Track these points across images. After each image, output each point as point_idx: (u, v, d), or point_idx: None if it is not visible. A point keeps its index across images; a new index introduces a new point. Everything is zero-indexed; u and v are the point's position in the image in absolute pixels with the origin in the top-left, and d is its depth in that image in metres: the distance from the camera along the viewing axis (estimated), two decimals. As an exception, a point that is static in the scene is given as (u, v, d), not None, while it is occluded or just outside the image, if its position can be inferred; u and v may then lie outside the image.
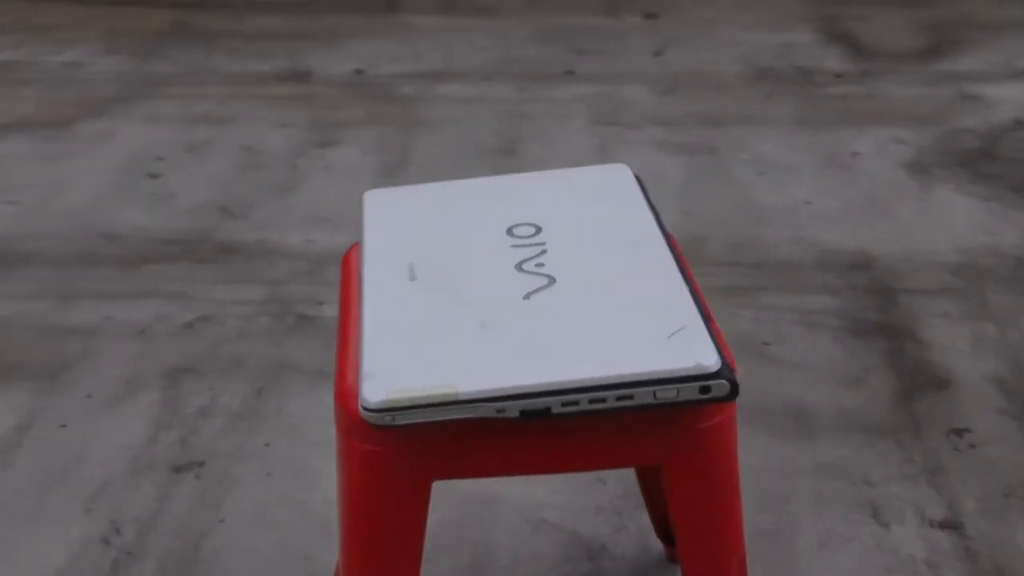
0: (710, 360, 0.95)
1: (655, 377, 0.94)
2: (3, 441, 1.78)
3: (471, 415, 0.94)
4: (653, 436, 1.01)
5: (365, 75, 3.22)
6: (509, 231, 1.15)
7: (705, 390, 0.95)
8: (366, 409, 0.93)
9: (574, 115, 2.94)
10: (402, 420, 0.93)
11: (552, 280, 1.07)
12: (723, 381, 0.95)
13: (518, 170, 2.63)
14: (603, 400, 0.94)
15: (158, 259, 2.28)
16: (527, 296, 1.05)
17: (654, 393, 0.95)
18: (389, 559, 1.03)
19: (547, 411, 0.94)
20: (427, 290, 1.07)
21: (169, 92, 3.12)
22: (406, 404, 0.93)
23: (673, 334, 0.98)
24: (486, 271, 1.09)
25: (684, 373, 0.94)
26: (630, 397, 0.95)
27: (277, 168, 2.68)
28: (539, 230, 1.15)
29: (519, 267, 1.09)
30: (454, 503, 1.61)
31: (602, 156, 2.70)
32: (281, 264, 2.25)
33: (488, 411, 0.94)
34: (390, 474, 1.00)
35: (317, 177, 2.64)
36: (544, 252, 1.11)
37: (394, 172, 2.65)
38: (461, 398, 0.93)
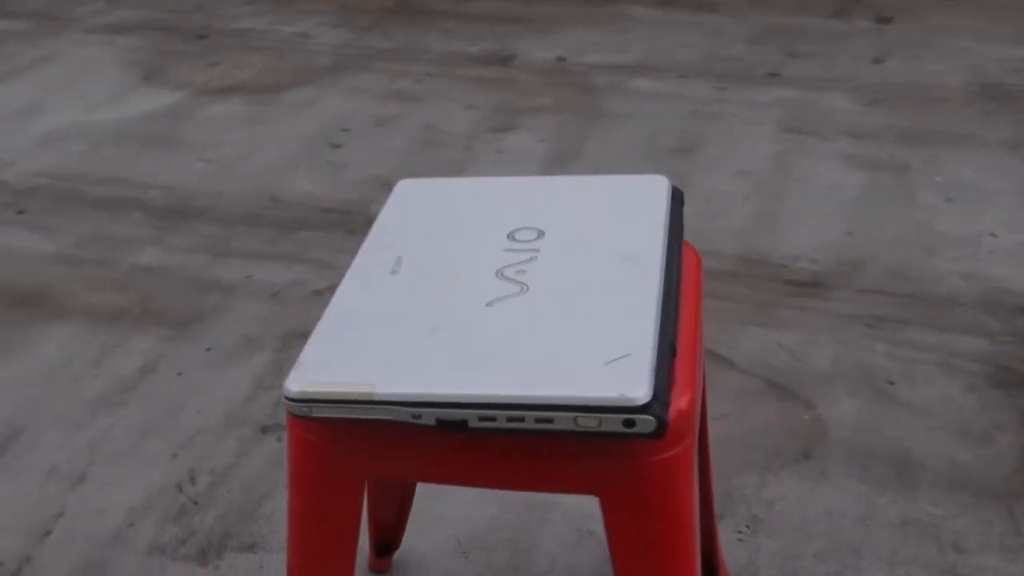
0: (638, 393, 0.90)
1: (576, 403, 0.90)
2: (126, 381, 1.91)
3: (388, 417, 0.93)
4: (591, 465, 0.96)
5: (566, 63, 3.22)
6: (511, 234, 1.13)
7: (629, 423, 0.90)
8: (286, 398, 0.94)
9: (766, 120, 2.82)
10: (319, 413, 0.94)
11: (524, 289, 1.04)
12: (649, 417, 0.89)
13: (687, 172, 2.57)
14: (521, 420, 0.91)
15: (314, 226, 2.38)
16: (491, 303, 1.02)
17: (575, 419, 0.90)
18: (322, 545, 1.04)
19: (464, 423, 0.92)
20: (400, 286, 1.06)
21: (376, 67, 3.24)
22: (322, 398, 0.93)
23: (612, 361, 0.93)
24: (465, 273, 1.07)
25: (607, 403, 0.90)
26: (550, 420, 0.91)
27: (452, 148, 2.72)
28: (540, 235, 1.12)
29: (500, 272, 1.07)
30: (507, 502, 1.60)
31: (778, 166, 2.59)
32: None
33: (405, 415, 0.92)
34: (326, 465, 1.01)
35: (487, 161, 2.67)
36: (533, 259, 1.08)
37: (563, 163, 2.64)
38: (376, 399, 0.92)
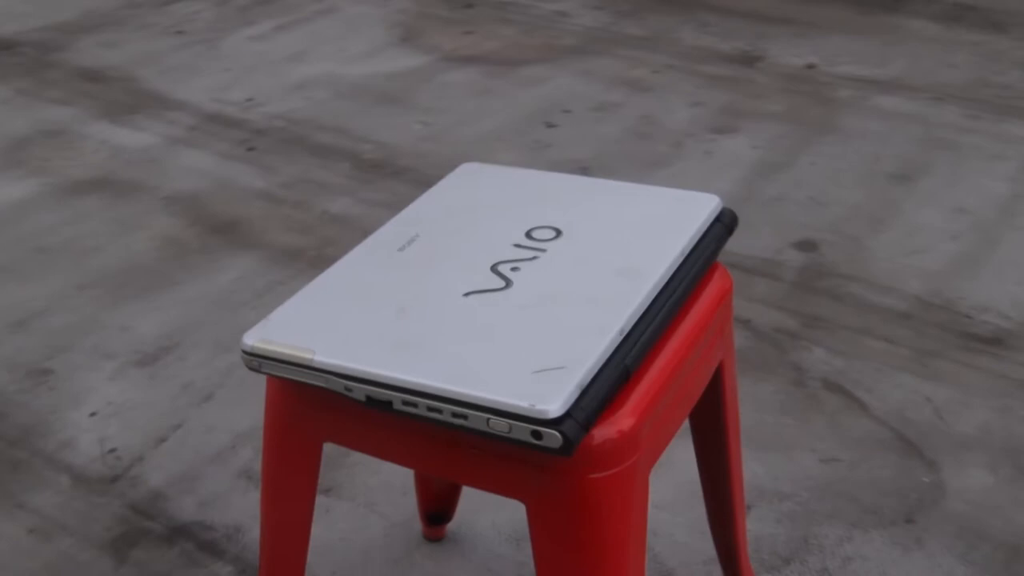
0: (550, 406, 0.87)
1: (490, 406, 0.89)
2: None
3: (323, 385, 0.95)
4: (518, 469, 0.95)
5: (815, 71, 3.09)
6: (529, 231, 1.12)
7: (537, 435, 0.88)
8: (242, 351, 0.99)
9: (1010, 157, 2.60)
10: (266, 370, 0.98)
11: (508, 286, 1.03)
12: (555, 432, 0.87)
13: (898, 200, 2.41)
14: (440, 411, 0.91)
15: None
16: (468, 294, 1.02)
17: (487, 421, 0.89)
18: (283, 495, 1.08)
19: (389, 404, 0.93)
20: (397, 263, 1.08)
21: (619, 52, 3.23)
22: (268, 355, 0.97)
23: (542, 370, 0.91)
24: (464, 262, 1.07)
25: (518, 411, 0.88)
26: (465, 417, 0.90)
27: (661, 143, 2.69)
28: (556, 236, 1.10)
29: (495, 266, 1.06)
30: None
31: (1005, 209, 2.37)
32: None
33: (338, 386, 0.95)
34: (285, 422, 1.05)
35: (692, 160, 2.61)
36: (535, 259, 1.07)
37: (767, 173, 2.54)
38: (313, 365, 0.95)
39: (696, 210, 1.14)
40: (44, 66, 3.20)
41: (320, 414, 1.03)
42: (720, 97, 2.92)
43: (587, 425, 0.89)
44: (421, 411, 0.92)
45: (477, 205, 1.18)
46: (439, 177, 2.71)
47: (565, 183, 1.23)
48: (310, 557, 1.34)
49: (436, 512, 1.52)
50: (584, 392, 0.90)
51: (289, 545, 1.14)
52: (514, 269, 1.06)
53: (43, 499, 1.64)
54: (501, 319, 0.98)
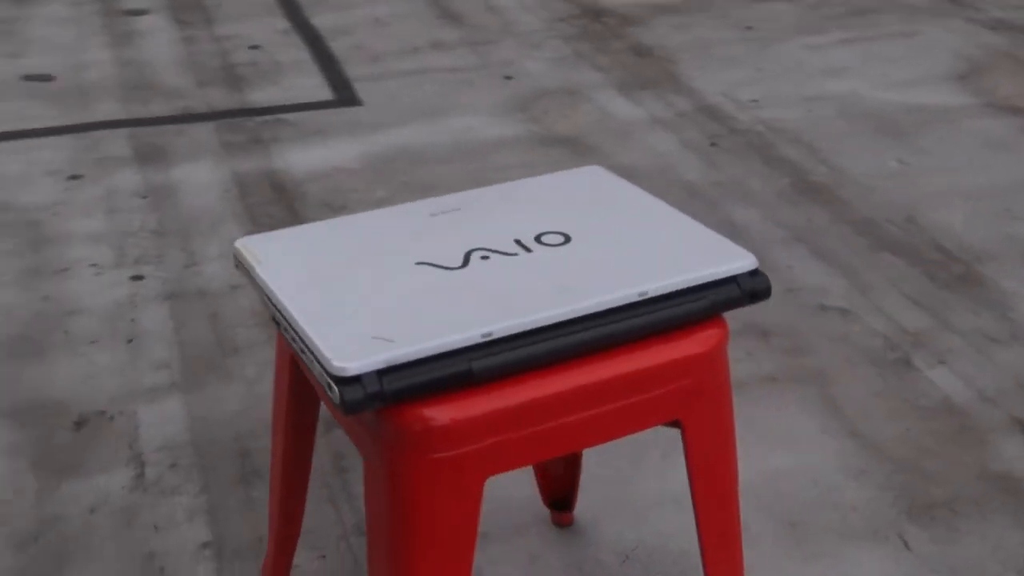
0: (346, 365, 0.95)
1: (315, 352, 0.98)
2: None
3: (257, 293, 1.10)
4: (363, 430, 1.01)
5: None
6: (539, 235, 1.14)
7: (330, 388, 0.95)
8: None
9: None
10: (240, 271, 1.15)
11: (456, 267, 1.08)
12: (336, 390, 0.94)
13: None
14: (294, 341, 1.02)
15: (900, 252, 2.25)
16: (420, 263, 1.09)
17: (319, 364, 0.98)
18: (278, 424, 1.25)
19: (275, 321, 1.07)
20: (407, 225, 1.17)
21: None
22: (240, 259, 1.14)
23: (378, 337, 0.97)
24: (457, 240, 1.13)
25: (325, 363, 0.96)
26: (303, 352, 1.00)
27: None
28: (565, 241, 1.12)
29: (474, 250, 1.11)
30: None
31: None
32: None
33: (263, 301, 1.09)
34: (280, 352, 1.21)
35: None
36: (514, 256, 1.10)
37: None
38: (255, 274, 1.10)
39: (723, 263, 1.07)
40: (613, 36, 3.52)
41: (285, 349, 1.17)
42: None
43: (377, 396, 0.94)
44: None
45: (536, 203, 1.21)
46: (868, 213, 2.59)
47: (648, 205, 1.21)
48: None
49: (558, 498, 1.56)
50: (395, 368, 0.94)
51: None
52: (484, 257, 1.10)
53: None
54: (412, 291, 1.05)
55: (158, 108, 2.97)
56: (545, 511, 1.56)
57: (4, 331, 2.03)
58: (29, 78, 3.16)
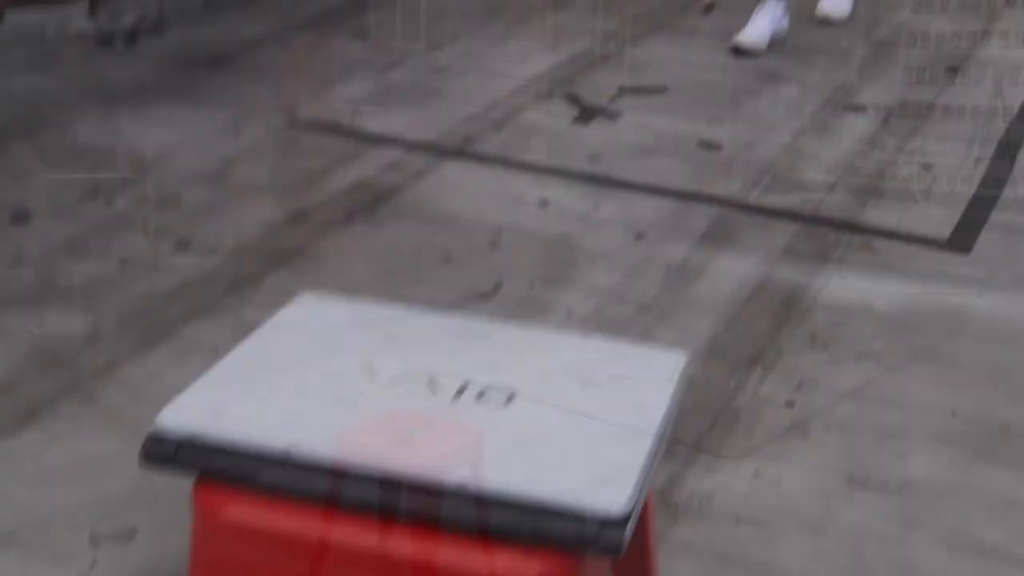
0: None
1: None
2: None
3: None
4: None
5: None
6: (482, 393, 1.10)
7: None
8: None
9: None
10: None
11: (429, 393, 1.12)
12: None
13: None
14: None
15: None
16: (389, 386, 1.12)
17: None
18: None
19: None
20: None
21: None
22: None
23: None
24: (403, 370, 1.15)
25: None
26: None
27: None
28: (508, 399, 1.07)
29: (439, 378, 1.10)
30: None
31: None
32: None
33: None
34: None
35: None
36: (456, 399, 1.08)
37: None
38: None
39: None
40: None
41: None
42: None
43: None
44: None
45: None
46: None
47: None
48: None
49: None
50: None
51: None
52: (434, 385, 1.11)
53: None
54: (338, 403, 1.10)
55: (770, 197, 3.00)
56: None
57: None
58: (703, 144, 3.39)
